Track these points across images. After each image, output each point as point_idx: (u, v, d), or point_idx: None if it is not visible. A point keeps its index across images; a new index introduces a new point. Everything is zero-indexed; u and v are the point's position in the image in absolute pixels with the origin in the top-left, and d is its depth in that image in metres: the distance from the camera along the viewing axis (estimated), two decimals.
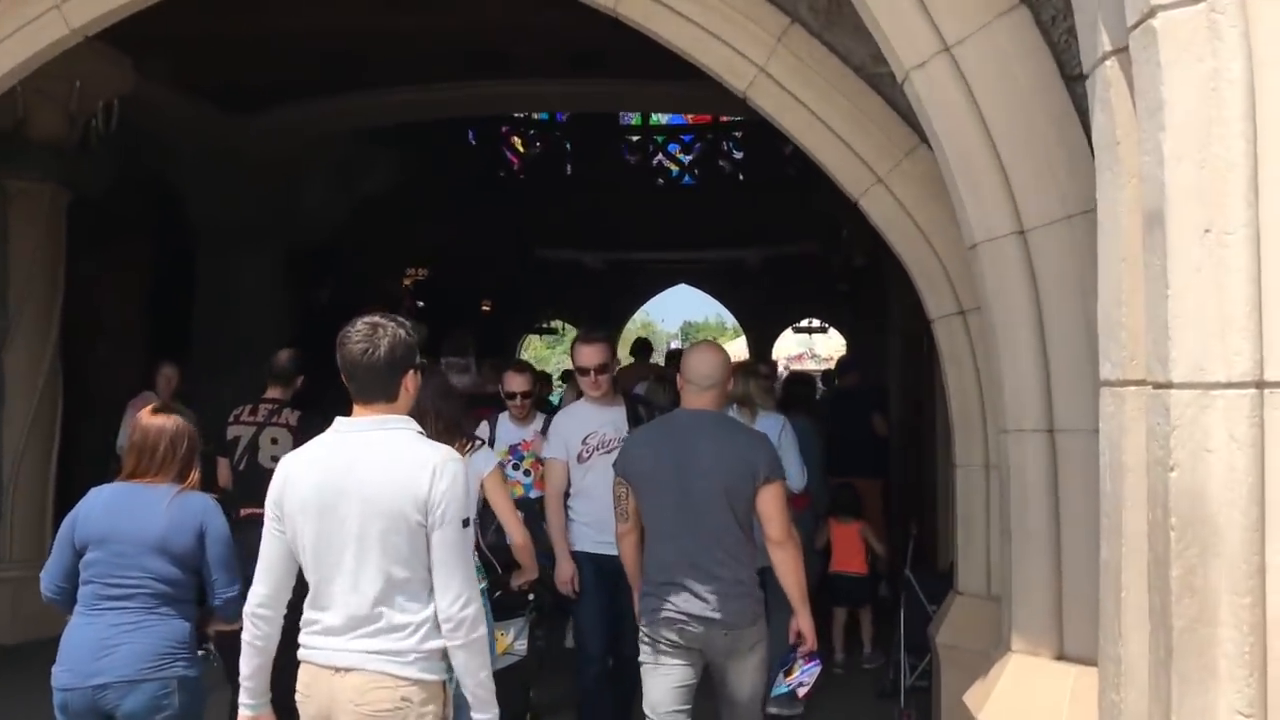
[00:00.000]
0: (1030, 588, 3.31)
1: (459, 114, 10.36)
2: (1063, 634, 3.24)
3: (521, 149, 16.67)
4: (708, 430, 3.61)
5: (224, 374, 8.79)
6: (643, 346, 10.85)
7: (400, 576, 2.65)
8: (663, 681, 3.58)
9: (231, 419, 5.33)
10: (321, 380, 4.74)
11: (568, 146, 16.80)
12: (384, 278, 12.65)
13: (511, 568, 4.16)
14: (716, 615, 3.47)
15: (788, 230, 15.46)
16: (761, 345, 19.52)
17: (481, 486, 3.87)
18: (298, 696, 2.79)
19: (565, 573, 4.50)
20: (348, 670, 2.66)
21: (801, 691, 3.70)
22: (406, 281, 12.99)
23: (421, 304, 13.72)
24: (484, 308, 15.92)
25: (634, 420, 4.47)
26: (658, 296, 19.86)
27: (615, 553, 3.95)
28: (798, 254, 16.51)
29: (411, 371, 2.77)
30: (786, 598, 3.67)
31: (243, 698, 2.86)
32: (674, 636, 3.50)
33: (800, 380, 8.83)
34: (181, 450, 3.45)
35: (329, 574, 2.69)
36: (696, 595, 3.47)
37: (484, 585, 3.64)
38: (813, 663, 3.66)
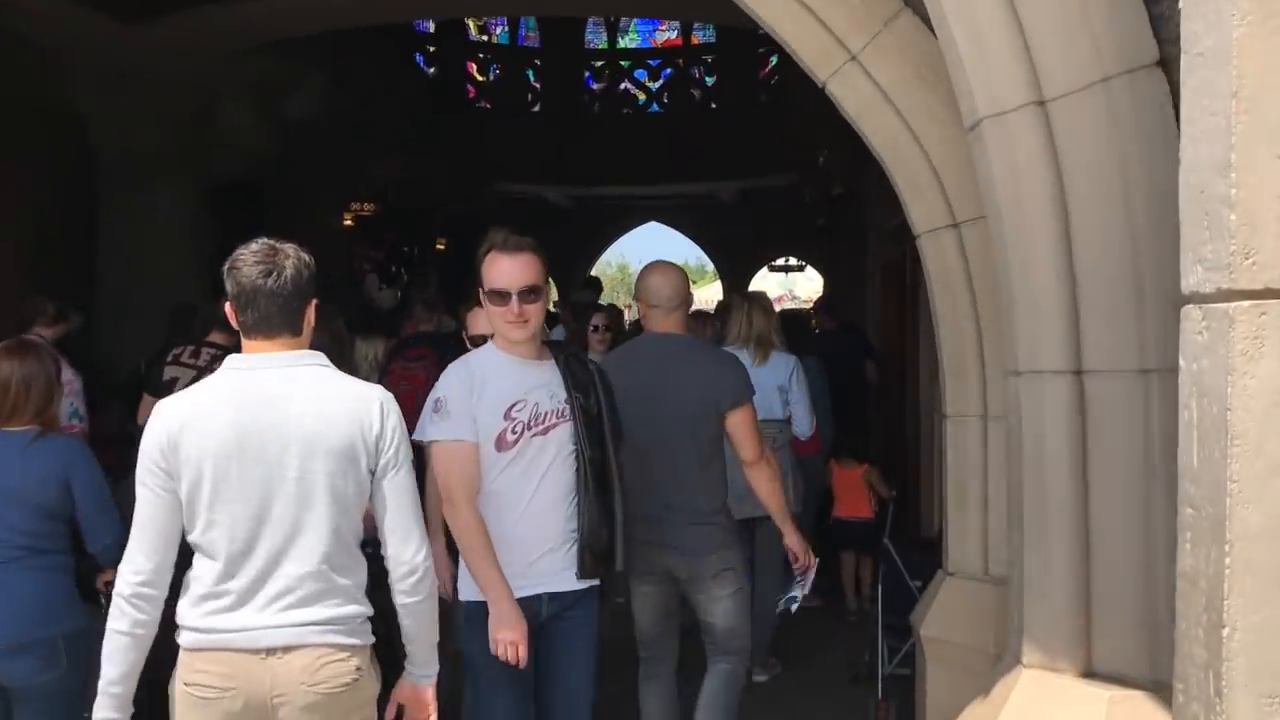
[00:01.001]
0: (1047, 581, 2.48)
1: (386, 19, 9.33)
2: (1091, 643, 2.43)
3: (479, 76, 15.60)
4: (677, 355, 3.54)
5: (133, 319, 7.94)
6: (592, 283, 9.99)
7: (344, 529, 2.33)
8: (643, 605, 3.61)
9: (170, 358, 5.03)
10: None
11: (529, 74, 15.74)
12: (323, 213, 11.62)
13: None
14: (675, 544, 3.47)
15: (762, 161, 14.60)
16: (738, 285, 18.63)
17: None
18: (205, 691, 2.27)
19: (509, 625, 2.77)
20: (287, 649, 2.26)
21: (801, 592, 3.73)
22: (348, 219, 11.95)
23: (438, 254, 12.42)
24: (438, 247, 14.94)
25: (573, 383, 2.96)
26: (628, 235, 18.89)
27: (540, 591, 2.89)
28: (773, 187, 15.64)
29: (314, 302, 2.41)
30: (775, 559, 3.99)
31: (103, 709, 2.30)
32: (643, 564, 3.40)
33: (795, 318, 8.01)
34: (36, 390, 3.21)
35: (248, 532, 2.28)
36: (658, 523, 3.40)
37: None
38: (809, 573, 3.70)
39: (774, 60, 15.23)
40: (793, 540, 3.63)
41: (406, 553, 2.36)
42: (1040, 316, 2.47)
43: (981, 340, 3.39)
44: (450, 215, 15.14)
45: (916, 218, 3.43)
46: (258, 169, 9.98)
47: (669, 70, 15.98)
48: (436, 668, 2.50)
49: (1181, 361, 1.53)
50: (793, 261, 18.28)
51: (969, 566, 3.42)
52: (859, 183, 10.38)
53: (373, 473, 2.34)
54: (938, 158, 3.30)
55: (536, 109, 15.69)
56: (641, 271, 3.76)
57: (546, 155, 15.30)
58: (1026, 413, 2.53)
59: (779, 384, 5.04)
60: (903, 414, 8.08)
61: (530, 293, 2.89)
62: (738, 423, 3.50)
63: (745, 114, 15.04)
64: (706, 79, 15.86)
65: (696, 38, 16.58)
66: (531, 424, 2.89)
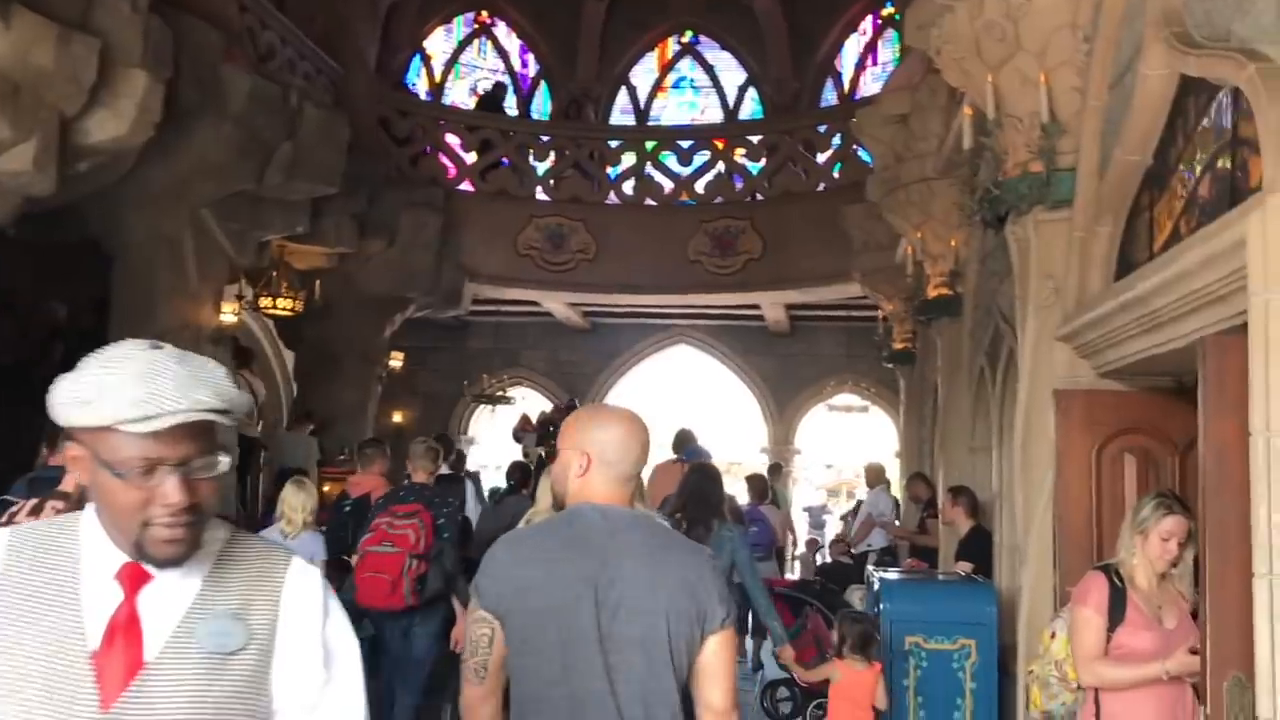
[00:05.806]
0: None
1: None
2: None
3: (463, 152, 12.42)
4: (637, 539, 2.31)
5: None
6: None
7: None
8: None
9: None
10: None
11: (528, 154, 12.54)
12: (200, 299, 8.16)
13: None
14: None
15: (821, 266, 11.15)
16: (780, 429, 14.90)
17: None
18: None
19: None
20: None
21: None
22: (230, 311, 8.37)
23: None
24: (393, 363, 11.44)
25: None
26: (650, 359, 15.28)
27: None
28: (835, 301, 12.13)
29: None
30: None
31: None
32: None
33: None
34: None
35: None
36: None
37: None
38: None
39: (837, 140, 11.89)
40: None
41: None
42: None
43: None
44: (413, 323, 11.73)
45: None
46: (63, 218, 6.60)
47: (705, 153, 12.70)
48: None
49: None
50: (856, 401, 14.52)
51: None
52: (983, 283, 6.76)
53: None
54: None
55: (537, 196, 12.42)
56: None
57: (544, 255, 12.00)
58: None
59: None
60: None
61: None
62: (719, 651, 2.29)
63: (800, 207, 11.68)
64: (751, 166, 12.54)
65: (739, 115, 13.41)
66: None
